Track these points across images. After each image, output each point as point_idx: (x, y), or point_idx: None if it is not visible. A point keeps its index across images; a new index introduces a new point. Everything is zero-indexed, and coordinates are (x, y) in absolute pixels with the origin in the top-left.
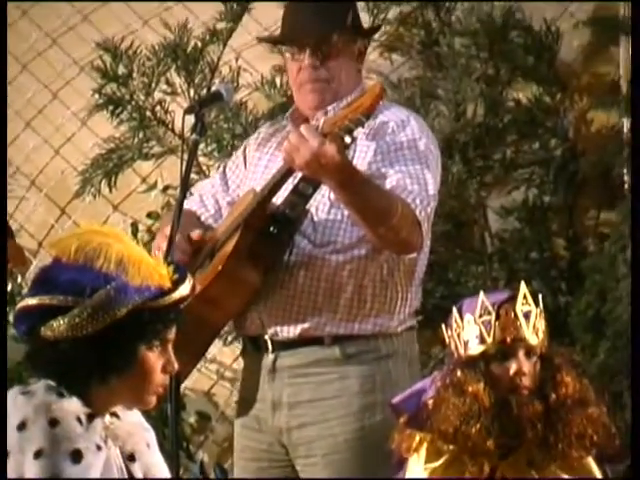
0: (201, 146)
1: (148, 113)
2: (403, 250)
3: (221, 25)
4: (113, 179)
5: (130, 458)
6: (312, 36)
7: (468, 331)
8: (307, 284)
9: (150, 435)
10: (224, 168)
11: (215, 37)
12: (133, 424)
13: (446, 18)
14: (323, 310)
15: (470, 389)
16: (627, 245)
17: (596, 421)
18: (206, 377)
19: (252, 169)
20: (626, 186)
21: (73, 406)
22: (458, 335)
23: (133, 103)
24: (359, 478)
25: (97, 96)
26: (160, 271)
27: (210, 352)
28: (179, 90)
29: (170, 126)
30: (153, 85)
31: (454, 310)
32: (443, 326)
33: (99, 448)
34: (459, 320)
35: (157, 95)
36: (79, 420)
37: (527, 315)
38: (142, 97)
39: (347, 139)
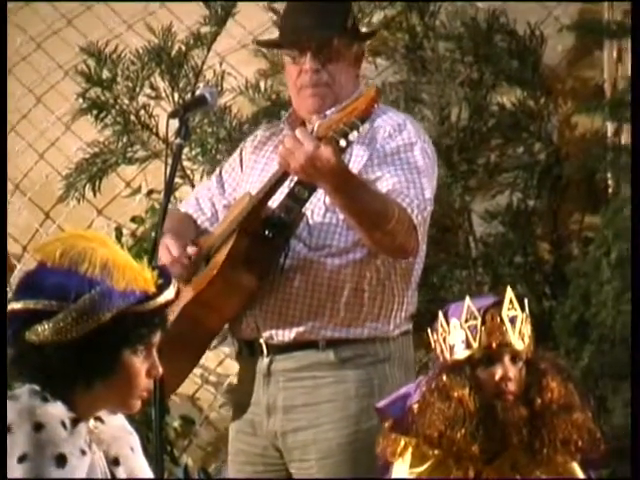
0: (185, 150)
1: (132, 117)
2: (399, 254)
3: (205, 29)
4: (97, 183)
5: (114, 462)
6: (314, 39)
7: (454, 336)
8: (302, 288)
9: (134, 439)
10: (220, 171)
11: (199, 41)
12: (117, 428)
13: (430, 22)
14: (318, 314)
15: (455, 394)
16: (611, 249)
17: (581, 426)
18: (190, 381)
19: (248, 172)
20: (610, 190)
21: (57, 410)
22: (444, 339)
23: (117, 107)
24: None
25: (81, 100)
26: (145, 276)
27: None
28: (163, 94)
29: (154, 130)
30: (137, 89)
31: (440, 314)
32: (429, 330)
33: (83, 453)
34: (445, 324)
35: (141, 99)
36: (63, 425)
37: (513, 320)
38: (126, 101)
39: (342, 143)
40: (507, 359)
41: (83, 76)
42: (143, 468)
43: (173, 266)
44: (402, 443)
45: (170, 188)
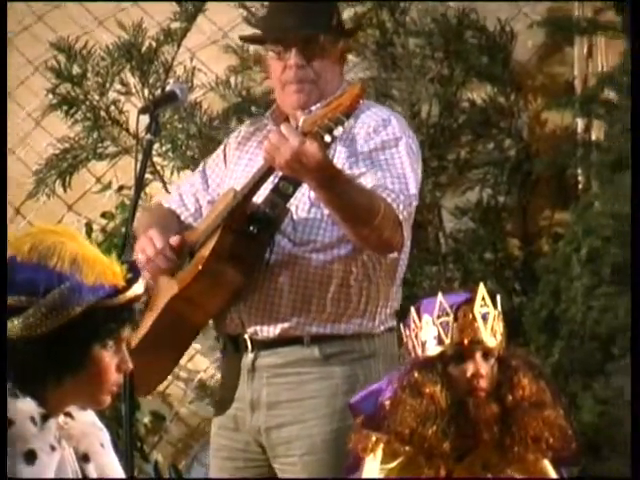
0: (155, 146)
1: (102, 113)
2: (385, 250)
3: (175, 25)
4: (67, 179)
5: (84, 458)
6: (299, 35)
7: (426, 332)
8: (287, 283)
9: (104, 435)
10: (204, 167)
11: (169, 37)
12: (87, 424)
13: (401, 18)
14: (303, 310)
15: (427, 390)
16: (581, 245)
17: (552, 424)
18: None
19: (232, 167)
20: (580, 186)
21: (27, 406)
22: (416, 335)
23: (87, 103)
24: (325, 478)
25: (51, 96)
26: (114, 270)
27: None
28: (133, 90)
29: (124, 126)
30: (107, 85)
31: (412, 310)
32: (401, 326)
33: (53, 449)
34: (417, 320)
35: (111, 95)
36: (33, 420)
37: (485, 317)
38: (96, 97)
39: (327, 138)
40: (479, 356)
41: (53, 72)
42: (113, 464)
43: (157, 258)
44: (373, 439)
45: (140, 184)
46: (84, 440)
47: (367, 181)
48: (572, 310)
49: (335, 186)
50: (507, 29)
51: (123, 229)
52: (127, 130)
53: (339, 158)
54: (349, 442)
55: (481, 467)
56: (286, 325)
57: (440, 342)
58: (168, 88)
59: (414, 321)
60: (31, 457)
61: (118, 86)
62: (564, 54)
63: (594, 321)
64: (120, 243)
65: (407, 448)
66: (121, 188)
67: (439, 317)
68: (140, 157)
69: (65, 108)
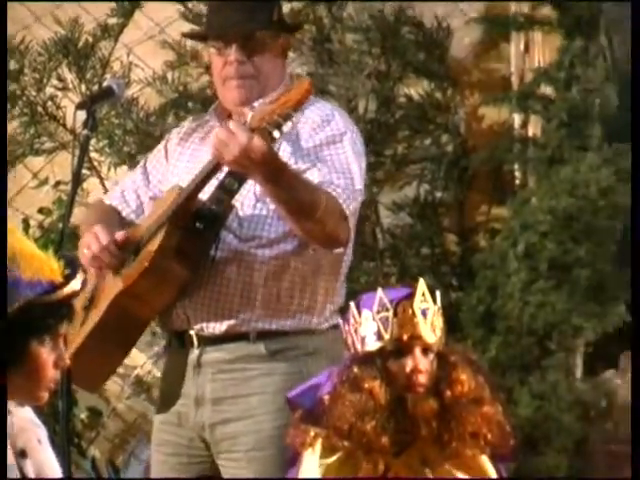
0: (92, 142)
1: (39, 108)
2: (330, 244)
3: (112, 21)
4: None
5: (21, 454)
6: (240, 31)
7: (366, 327)
8: (233, 280)
9: (42, 431)
10: (145, 163)
11: (106, 33)
12: (24, 420)
13: (338, 14)
14: (249, 306)
15: (366, 385)
16: (518, 240)
17: (491, 420)
18: None
19: (174, 163)
20: (517, 182)
21: None
22: (355, 331)
23: (24, 98)
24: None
25: None
26: (51, 265)
27: None
28: (70, 86)
29: (61, 122)
30: (44, 80)
31: (352, 305)
32: (340, 321)
33: None
34: (357, 316)
35: (48, 90)
36: None
37: (425, 313)
38: (33, 92)
39: (276, 134)
40: (418, 351)
41: None
42: (50, 460)
43: (102, 254)
44: (312, 434)
45: (77, 179)
46: (22, 436)
47: (313, 176)
48: (509, 305)
49: (282, 181)
50: (444, 25)
51: (60, 225)
52: (64, 126)
53: (284, 152)
54: (287, 436)
55: (420, 462)
56: (232, 321)
57: (380, 337)
58: (105, 84)
59: (354, 316)
60: None
61: (55, 82)
62: (501, 50)
63: (531, 316)
64: (57, 239)
65: (346, 443)
66: (58, 184)
67: (379, 312)
68: (77, 153)
69: None
